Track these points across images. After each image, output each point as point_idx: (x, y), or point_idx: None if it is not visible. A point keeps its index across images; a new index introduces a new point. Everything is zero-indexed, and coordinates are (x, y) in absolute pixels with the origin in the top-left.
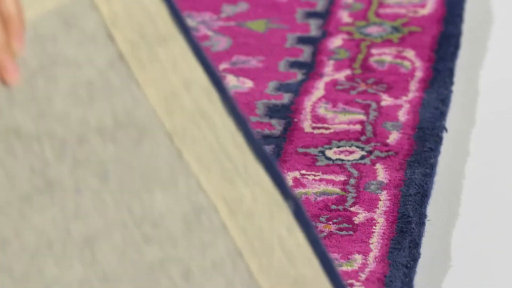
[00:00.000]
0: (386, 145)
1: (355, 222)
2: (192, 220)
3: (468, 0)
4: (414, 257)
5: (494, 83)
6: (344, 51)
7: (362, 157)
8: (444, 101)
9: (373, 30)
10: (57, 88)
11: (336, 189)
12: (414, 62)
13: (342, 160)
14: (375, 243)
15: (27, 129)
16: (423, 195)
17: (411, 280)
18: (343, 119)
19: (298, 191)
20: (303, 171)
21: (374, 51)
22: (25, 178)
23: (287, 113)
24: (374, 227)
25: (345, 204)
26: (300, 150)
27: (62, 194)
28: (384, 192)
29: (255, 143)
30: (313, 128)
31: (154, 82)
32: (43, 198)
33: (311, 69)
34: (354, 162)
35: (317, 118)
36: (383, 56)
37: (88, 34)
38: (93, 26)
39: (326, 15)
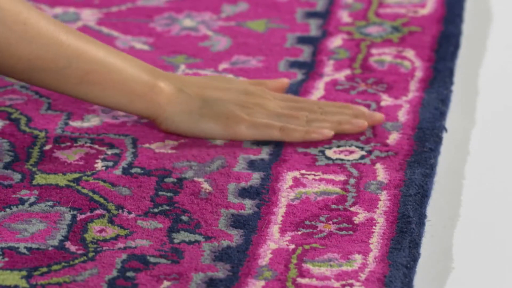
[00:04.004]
0: (386, 145)
1: (355, 222)
2: None
3: (468, 0)
4: (414, 257)
5: (494, 83)
6: (344, 51)
7: (362, 157)
8: (444, 101)
9: (373, 30)
10: None
11: (336, 189)
12: (414, 62)
13: (342, 160)
14: (375, 243)
15: None
16: (423, 195)
17: (411, 280)
18: None
19: (298, 190)
20: (303, 171)
21: (374, 51)
22: None
23: None
24: (374, 227)
25: (345, 204)
26: (300, 150)
27: None
28: (384, 192)
29: None
30: None
31: None
32: None
33: (311, 69)
34: (354, 162)
35: None
36: (383, 56)
37: None
38: None
39: (326, 15)
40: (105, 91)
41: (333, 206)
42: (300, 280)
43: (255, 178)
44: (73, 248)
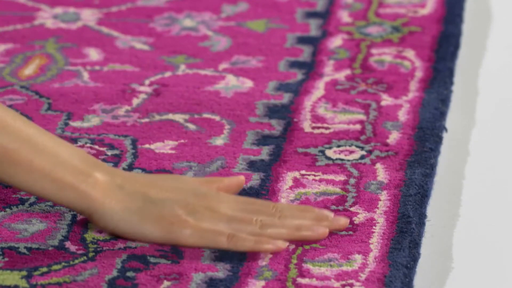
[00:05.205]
0: (386, 145)
1: (355, 222)
2: None
3: (468, 0)
4: (414, 257)
5: (494, 83)
6: (344, 51)
7: (362, 157)
8: (444, 101)
9: (373, 30)
10: None
11: (336, 189)
12: (414, 62)
13: (342, 160)
14: (375, 243)
15: None
16: (423, 195)
17: (411, 280)
18: (343, 119)
19: (298, 191)
20: (303, 171)
21: (374, 51)
22: None
23: (287, 113)
24: (374, 227)
25: (345, 204)
26: (300, 150)
27: None
28: (384, 192)
29: None
30: (313, 128)
31: None
32: None
33: (311, 69)
34: (354, 162)
35: (316, 118)
36: (383, 56)
37: None
38: None
39: (326, 15)
40: (29, 175)
41: (333, 207)
42: (300, 280)
43: (255, 178)
44: (73, 248)
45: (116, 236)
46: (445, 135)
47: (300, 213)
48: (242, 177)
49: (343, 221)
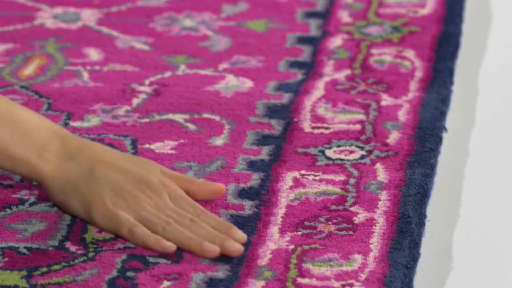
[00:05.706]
0: (386, 145)
1: (355, 222)
2: None
3: (468, 0)
4: (414, 257)
5: (494, 83)
6: (344, 51)
7: (362, 157)
8: (444, 101)
9: (373, 30)
10: None
11: (336, 189)
12: (414, 62)
13: (342, 159)
14: (375, 243)
15: None
16: (423, 195)
17: (411, 280)
18: (343, 119)
19: (298, 191)
20: (303, 171)
21: (374, 51)
22: None
23: (286, 113)
24: (374, 227)
25: (345, 204)
26: (300, 150)
27: None
28: (384, 192)
29: None
30: (313, 128)
31: None
32: None
33: (311, 69)
34: (354, 162)
35: (316, 118)
36: (383, 56)
37: None
38: None
39: (326, 15)
40: None
41: (333, 207)
42: (300, 280)
43: (255, 178)
44: (73, 248)
45: (59, 208)
46: (445, 135)
47: (214, 226)
48: (220, 186)
49: (234, 249)
